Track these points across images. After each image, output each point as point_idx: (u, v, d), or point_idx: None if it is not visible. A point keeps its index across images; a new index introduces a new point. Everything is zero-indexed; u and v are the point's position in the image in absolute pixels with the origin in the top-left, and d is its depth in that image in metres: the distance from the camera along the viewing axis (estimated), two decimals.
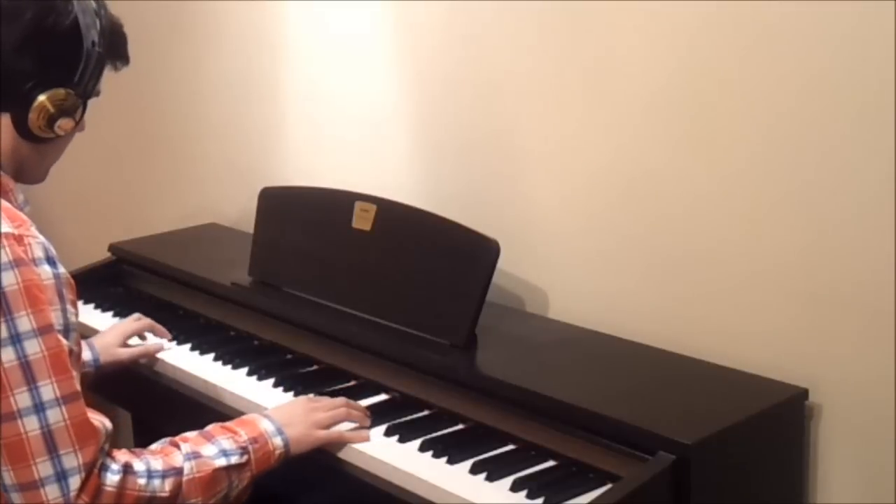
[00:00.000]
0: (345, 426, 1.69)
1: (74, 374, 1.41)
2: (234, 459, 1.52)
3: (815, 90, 1.60)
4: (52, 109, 1.51)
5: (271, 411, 1.65)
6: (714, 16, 1.70)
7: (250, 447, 1.55)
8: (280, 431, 1.59)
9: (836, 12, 1.55)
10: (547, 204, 2.00)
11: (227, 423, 1.60)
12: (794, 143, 1.63)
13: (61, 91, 1.51)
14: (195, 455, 1.50)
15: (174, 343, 2.10)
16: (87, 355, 1.93)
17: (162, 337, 2.10)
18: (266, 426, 1.59)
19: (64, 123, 1.53)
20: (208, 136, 2.80)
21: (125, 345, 2.03)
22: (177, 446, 1.51)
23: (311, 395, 1.75)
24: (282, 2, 2.48)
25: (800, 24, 1.60)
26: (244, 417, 1.64)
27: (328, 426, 1.66)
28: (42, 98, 1.50)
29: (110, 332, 2.04)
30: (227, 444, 1.54)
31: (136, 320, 2.09)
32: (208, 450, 1.52)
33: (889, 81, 1.51)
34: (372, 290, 1.97)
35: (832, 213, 1.61)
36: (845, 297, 1.61)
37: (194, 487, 1.48)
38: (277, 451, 1.58)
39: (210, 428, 1.58)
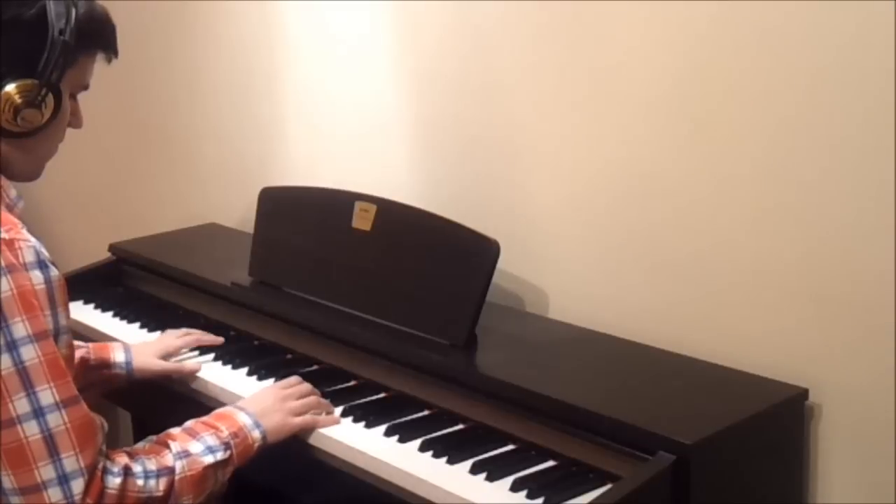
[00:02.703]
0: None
1: (71, 376, 1.41)
2: (220, 455, 1.55)
3: (815, 92, 1.60)
4: (17, 100, 1.46)
5: (246, 403, 1.68)
6: (716, 17, 1.70)
7: (232, 442, 1.57)
8: (257, 424, 1.62)
9: (837, 13, 1.55)
10: (547, 204, 2.00)
11: (207, 419, 1.61)
12: (794, 144, 1.63)
13: (29, 81, 1.47)
14: (185, 454, 1.52)
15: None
16: (119, 357, 1.92)
17: (207, 342, 2.04)
18: (244, 420, 1.62)
19: (28, 115, 1.47)
20: (208, 136, 2.80)
21: (164, 358, 1.97)
22: (166, 445, 1.52)
23: (282, 382, 1.77)
24: (282, 2, 2.48)
25: (801, 25, 1.60)
26: (221, 411, 1.65)
27: (301, 413, 1.69)
28: (8, 88, 1.45)
29: (153, 343, 2.00)
30: (212, 440, 1.56)
31: (181, 336, 2.03)
32: (195, 447, 1.54)
33: (889, 82, 1.51)
34: (372, 290, 1.97)
35: (832, 214, 1.61)
36: (845, 297, 1.61)
37: (186, 486, 1.50)
38: (256, 444, 1.61)
39: (192, 424, 1.59)
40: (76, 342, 1.86)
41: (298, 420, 1.68)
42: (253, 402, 1.68)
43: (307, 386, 1.77)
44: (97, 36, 1.56)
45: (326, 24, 2.39)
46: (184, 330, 2.06)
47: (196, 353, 2.04)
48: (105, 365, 1.90)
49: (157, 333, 2.15)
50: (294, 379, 1.79)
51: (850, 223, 1.59)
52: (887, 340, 1.57)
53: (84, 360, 1.86)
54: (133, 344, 1.98)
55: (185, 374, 1.96)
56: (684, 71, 1.76)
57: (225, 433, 1.57)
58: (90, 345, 1.92)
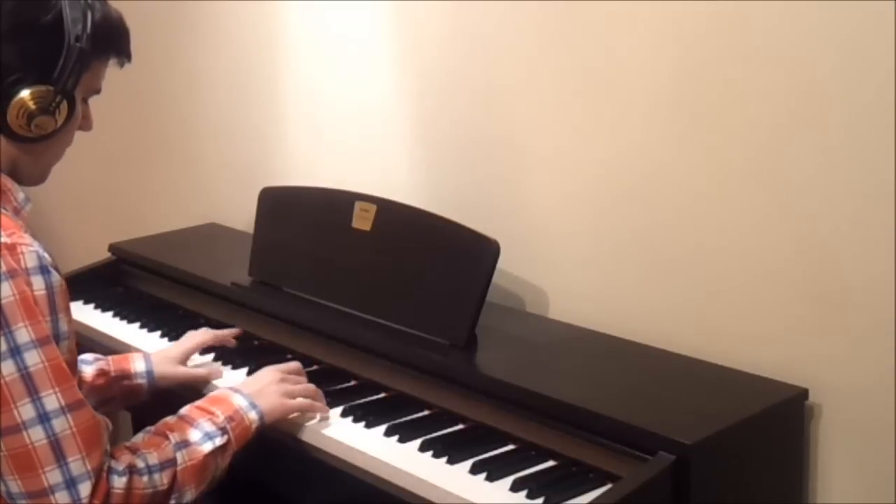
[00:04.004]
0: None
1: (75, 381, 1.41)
2: (218, 441, 1.54)
3: (814, 91, 1.60)
4: (32, 107, 1.45)
5: (241, 385, 1.68)
6: (715, 17, 1.70)
7: (228, 426, 1.57)
8: (253, 405, 1.62)
9: (836, 13, 1.55)
10: (547, 204, 2.01)
11: (201, 403, 1.61)
12: (794, 144, 1.63)
13: (43, 88, 1.45)
14: (184, 444, 1.52)
15: (163, 339, 2.10)
16: (139, 367, 1.87)
17: (226, 344, 2.02)
18: (239, 402, 1.62)
19: (42, 122, 1.46)
20: (208, 136, 2.80)
21: (185, 363, 1.93)
22: (164, 436, 1.52)
23: (280, 365, 1.78)
24: (282, 2, 2.48)
25: (801, 24, 1.60)
26: (216, 394, 1.65)
27: (297, 396, 1.69)
28: (23, 94, 1.44)
29: (173, 348, 1.96)
30: (208, 426, 1.55)
31: (201, 333, 2.00)
32: (194, 435, 1.54)
33: (889, 82, 1.51)
34: (372, 290, 1.97)
35: (833, 214, 1.61)
36: (845, 297, 1.61)
37: (188, 475, 1.50)
38: (254, 426, 1.60)
39: (188, 411, 1.59)
40: (97, 356, 1.86)
41: (295, 402, 1.68)
42: (248, 384, 1.68)
43: (303, 374, 1.78)
44: (112, 41, 1.55)
45: (327, 25, 2.39)
46: (204, 329, 2.02)
47: (197, 352, 2.01)
48: (126, 376, 1.86)
49: (157, 333, 2.16)
50: (293, 364, 1.79)
51: (850, 223, 1.59)
52: (887, 340, 1.57)
53: (104, 373, 1.84)
54: (153, 353, 1.94)
55: (209, 380, 1.90)
56: (683, 71, 1.76)
57: (221, 418, 1.57)
58: (109, 357, 1.89)
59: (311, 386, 1.75)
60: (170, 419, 1.58)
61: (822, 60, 1.59)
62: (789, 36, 1.62)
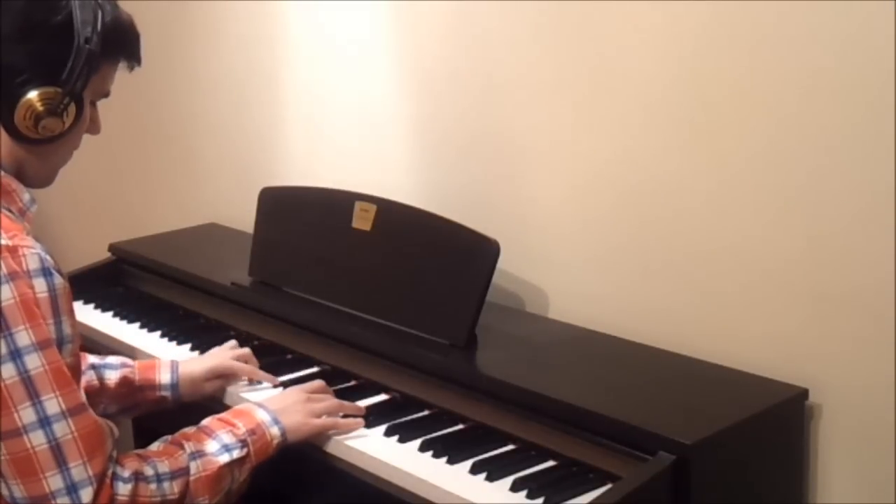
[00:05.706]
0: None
1: (77, 385, 1.40)
2: (236, 453, 1.53)
3: (815, 92, 1.60)
4: (39, 108, 1.44)
5: (265, 400, 1.67)
6: (715, 17, 1.70)
7: (249, 439, 1.56)
8: (276, 421, 1.60)
9: (836, 13, 1.55)
10: (547, 204, 2.00)
11: (224, 416, 1.60)
12: (795, 144, 1.63)
13: (51, 89, 1.44)
14: (199, 454, 1.51)
15: (183, 349, 2.09)
16: (165, 378, 1.83)
17: (252, 377, 1.87)
18: (262, 416, 1.60)
19: (49, 123, 1.45)
20: (208, 135, 2.80)
21: (214, 377, 1.85)
22: (180, 446, 1.52)
23: (305, 385, 1.75)
24: (282, 2, 2.48)
25: (801, 25, 1.60)
26: (239, 408, 1.64)
27: (322, 415, 1.67)
28: (31, 95, 1.43)
29: (200, 362, 1.88)
30: (228, 438, 1.54)
31: (235, 356, 1.89)
32: (211, 446, 1.52)
33: (889, 82, 1.51)
34: (372, 290, 1.97)
35: (833, 214, 1.61)
36: (846, 297, 1.61)
37: (201, 486, 1.49)
38: (275, 441, 1.59)
39: (208, 422, 1.58)
40: (124, 360, 1.84)
41: (319, 421, 1.65)
42: (273, 401, 1.67)
43: (330, 392, 1.76)
44: (122, 44, 1.54)
45: (326, 24, 2.39)
46: (237, 351, 1.91)
47: (196, 352, 2.01)
48: (150, 386, 1.83)
49: (157, 333, 2.16)
50: (318, 383, 1.77)
51: (851, 223, 1.59)
52: (887, 340, 1.57)
53: (128, 381, 1.82)
54: (182, 361, 1.89)
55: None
56: (683, 71, 1.76)
57: (242, 430, 1.56)
58: (136, 364, 1.86)
59: (336, 402, 1.72)
60: (188, 429, 1.57)
61: (821, 61, 1.58)
62: (790, 36, 1.62)
